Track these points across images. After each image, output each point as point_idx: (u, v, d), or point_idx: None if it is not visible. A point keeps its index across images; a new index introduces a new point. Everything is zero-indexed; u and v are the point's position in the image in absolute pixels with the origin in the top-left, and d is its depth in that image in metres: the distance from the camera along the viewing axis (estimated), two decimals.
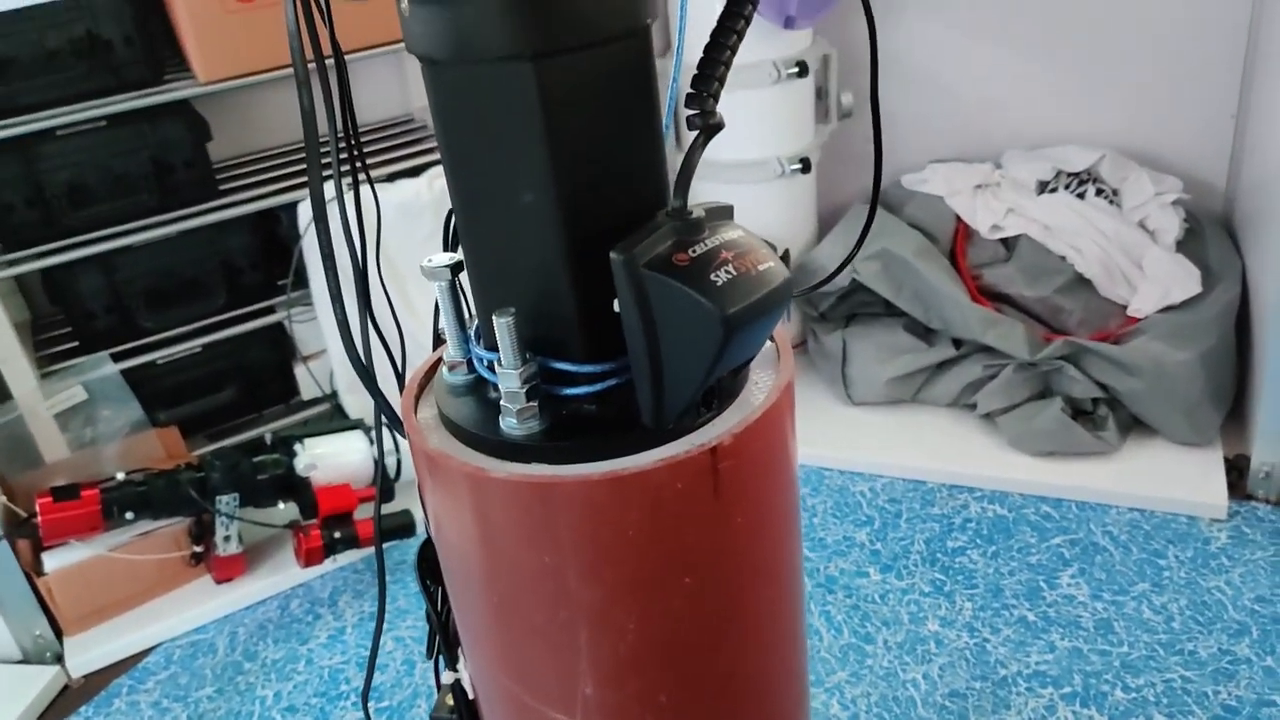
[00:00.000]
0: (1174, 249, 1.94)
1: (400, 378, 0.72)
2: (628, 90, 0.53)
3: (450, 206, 0.68)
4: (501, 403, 0.57)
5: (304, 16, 0.58)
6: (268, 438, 1.87)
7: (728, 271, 0.50)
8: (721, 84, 0.52)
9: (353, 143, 0.67)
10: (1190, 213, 1.99)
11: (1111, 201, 2.00)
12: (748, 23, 0.53)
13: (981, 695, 1.47)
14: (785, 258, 2.20)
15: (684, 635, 0.59)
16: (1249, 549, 1.66)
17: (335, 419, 2.10)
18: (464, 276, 0.61)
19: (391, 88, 2.26)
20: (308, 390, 2.14)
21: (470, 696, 0.72)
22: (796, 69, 1.97)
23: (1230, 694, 1.42)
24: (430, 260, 0.61)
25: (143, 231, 1.81)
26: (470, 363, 0.62)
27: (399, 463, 1.91)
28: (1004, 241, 2.00)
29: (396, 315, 0.75)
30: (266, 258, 2.01)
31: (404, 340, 0.74)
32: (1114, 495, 1.79)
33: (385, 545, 1.88)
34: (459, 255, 0.61)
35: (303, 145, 2.32)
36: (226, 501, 1.77)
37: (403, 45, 2.04)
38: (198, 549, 1.85)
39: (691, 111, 0.52)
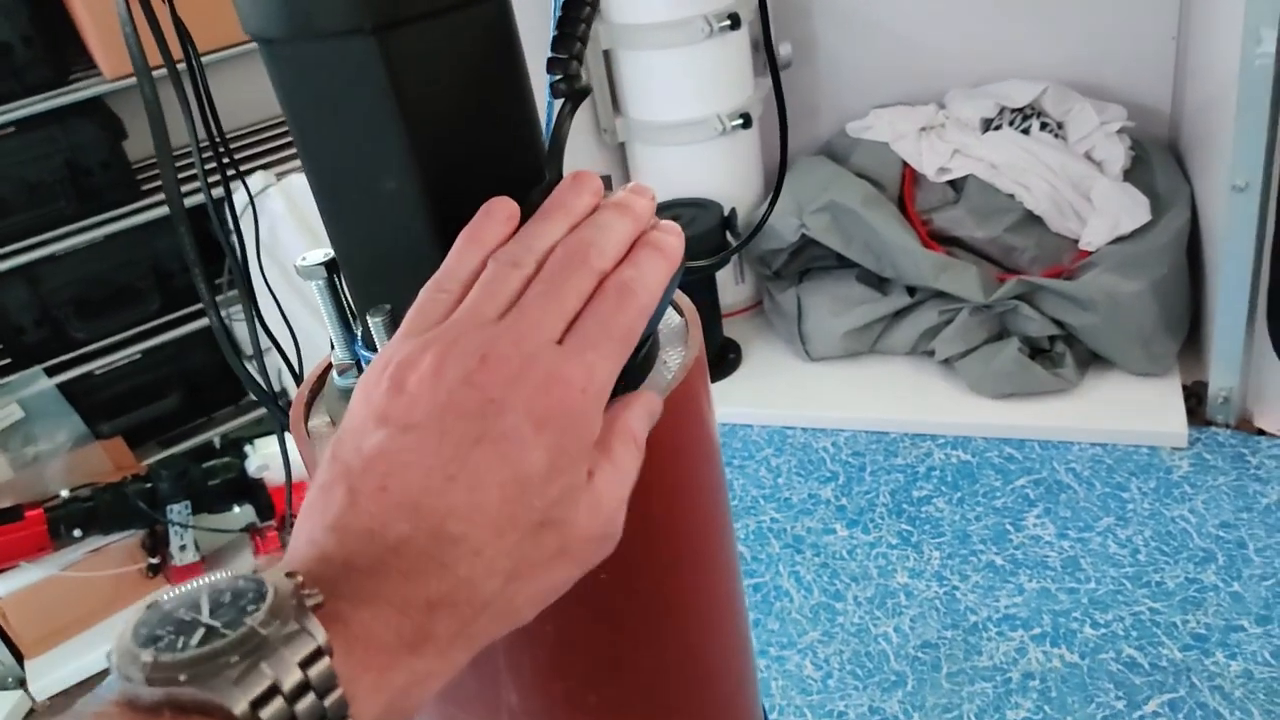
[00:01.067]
0: (1121, 179, 1.92)
1: (298, 379, 0.68)
2: (488, 58, 0.48)
3: None
4: None
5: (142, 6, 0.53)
6: (217, 441, 1.83)
7: None
8: (584, 43, 0.48)
9: (216, 138, 0.62)
10: (1136, 140, 1.97)
11: (1056, 135, 1.97)
12: None
13: (953, 644, 1.46)
14: (731, 216, 2.17)
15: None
16: (1211, 475, 1.66)
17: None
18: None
19: None
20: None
21: None
22: (729, 21, 1.92)
23: (1199, 622, 1.42)
24: (304, 259, 0.57)
25: (64, 239, 1.75)
26: (359, 364, 0.58)
27: None
28: (952, 184, 1.97)
29: (287, 317, 0.71)
30: (199, 257, 1.94)
31: (298, 343, 0.70)
32: (1075, 432, 1.78)
33: None
34: (332, 252, 0.57)
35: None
36: (178, 510, 1.73)
37: None
38: (154, 560, 1.81)
39: (554, 77, 0.48)
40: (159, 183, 1.87)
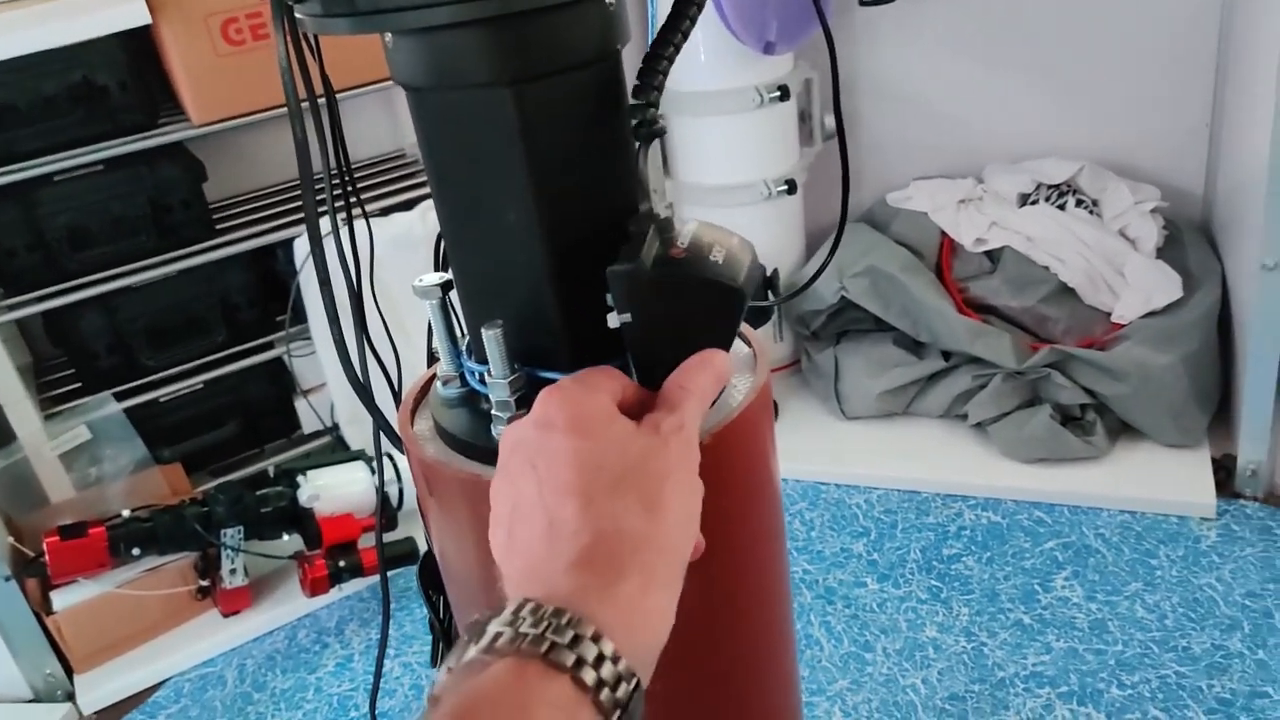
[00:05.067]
0: (1154, 255, 1.98)
1: (397, 398, 0.75)
2: (601, 110, 0.56)
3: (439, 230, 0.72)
4: (492, 412, 0.60)
5: (295, 53, 0.62)
6: (271, 471, 1.90)
7: (718, 251, 0.54)
8: (660, 91, 0.56)
9: (345, 175, 0.70)
10: (1169, 220, 2.04)
11: (1092, 211, 2.04)
12: (692, 24, 0.56)
13: (980, 697, 1.49)
14: (774, 277, 2.24)
15: (675, 633, 0.61)
16: (1238, 546, 1.69)
17: (336, 451, 2.12)
18: (453, 295, 0.65)
19: (382, 124, 2.31)
20: (309, 423, 2.17)
21: None
22: (778, 93, 2.01)
23: (1224, 687, 1.44)
24: (421, 280, 0.64)
25: (142, 272, 1.85)
26: (463, 376, 0.65)
27: (400, 491, 1.93)
28: (988, 254, 2.04)
29: (393, 340, 0.78)
30: (264, 294, 2.05)
31: (400, 364, 0.77)
32: (1105, 499, 1.82)
33: (390, 573, 1.91)
34: (448, 275, 0.64)
35: (297, 183, 2.38)
36: (231, 535, 1.80)
37: (391, 83, 2.07)
38: (204, 583, 1.87)
39: (634, 121, 0.55)
40: (233, 222, 1.98)
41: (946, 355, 2.02)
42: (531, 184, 0.55)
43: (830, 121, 2.19)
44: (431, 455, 0.62)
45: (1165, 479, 1.82)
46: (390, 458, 1.93)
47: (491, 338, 0.57)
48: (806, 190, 2.18)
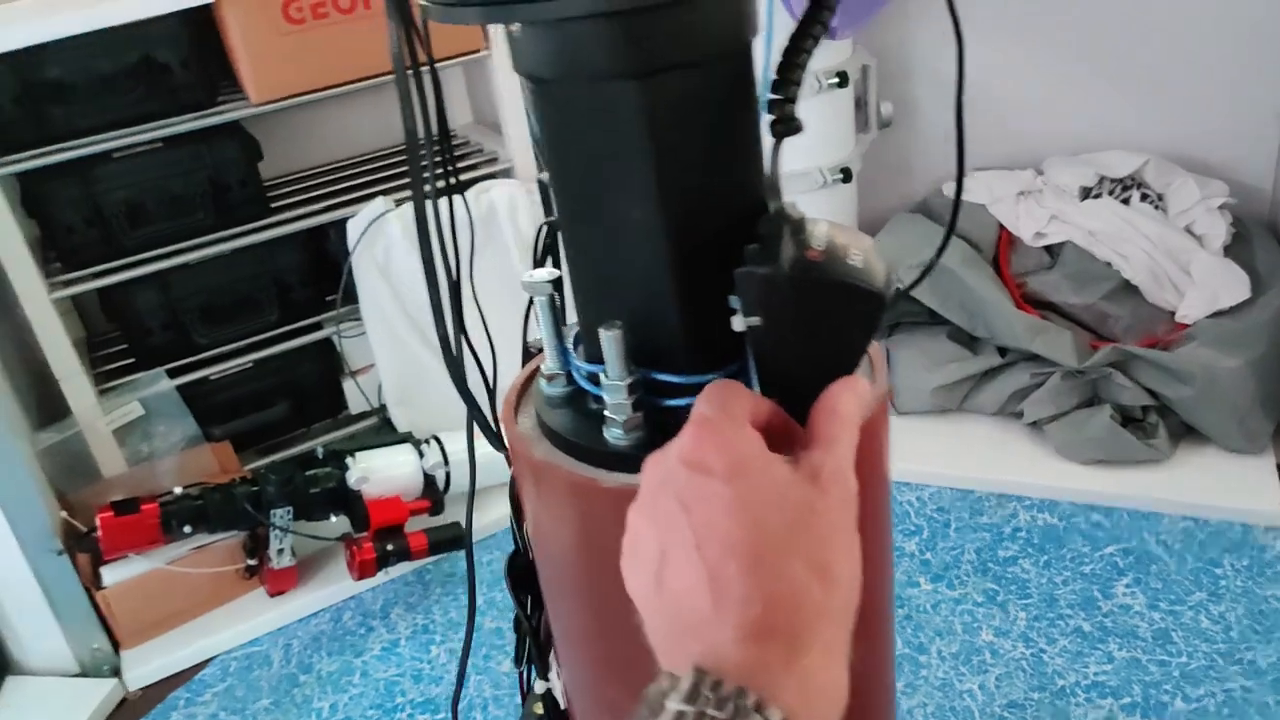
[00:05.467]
0: (1221, 254, 1.94)
1: (491, 391, 0.73)
2: (729, 106, 0.54)
3: (542, 219, 0.70)
4: (606, 414, 0.58)
5: (402, 32, 0.59)
6: (319, 452, 1.89)
7: (855, 254, 0.52)
8: (799, 87, 0.53)
9: (448, 157, 0.68)
10: (1237, 218, 1.99)
11: (1157, 207, 1.99)
12: (824, 28, 0.54)
13: (1040, 706, 1.46)
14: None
15: None
16: None
17: (383, 433, 2.12)
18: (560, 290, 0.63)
19: (432, 105, 2.29)
20: (355, 404, 2.16)
21: (562, 705, 0.73)
22: (837, 79, 1.98)
23: None
24: (531, 275, 0.62)
25: (198, 250, 1.85)
26: (569, 375, 0.63)
27: (448, 476, 1.93)
28: (1048, 249, 2.00)
29: (488, 327, 0.76)
30: (315, 274, 2.04)
31: (495, 354, 0.75)
32: (1166, 503, 1.78)
33: (435, 558, 1.91)
34: (557, 271, 0.62)
35: (351, 161, 2.35)
36: (281, 515, 1.79)
37: (443, 63, 2.04)
38: (252, 562, 1.87)
39: (771, 117, 0.53)
40: (287, 201, 1.97)
41: (1002, 351, 1.98)
42: (657, 181, 0.53)
43: (887, 109, 2.15)
44: (541, 455, 0.60)
45: (1229, 485, 1.78)
46: (438, 441, 1.95)
47: (610, 339, 0.55)
48: (860, 178, 2.15)
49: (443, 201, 0.67)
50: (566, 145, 0.55)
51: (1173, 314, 1.92)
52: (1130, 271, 1.91)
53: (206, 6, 1.65)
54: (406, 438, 1.96)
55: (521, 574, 0.74)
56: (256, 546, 1.87)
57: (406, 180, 2.22)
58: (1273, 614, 1.55)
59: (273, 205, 1.95)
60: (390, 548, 1.81)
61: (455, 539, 1.87)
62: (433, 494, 1.92)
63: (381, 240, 1.93)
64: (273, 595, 1.86)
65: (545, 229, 0.69)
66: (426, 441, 1.94)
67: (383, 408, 2.12)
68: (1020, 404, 1.94)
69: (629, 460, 0.57)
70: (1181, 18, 1.99)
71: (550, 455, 0.60)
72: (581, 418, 0.61)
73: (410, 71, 0.59)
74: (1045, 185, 2.05)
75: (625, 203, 0.54)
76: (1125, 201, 1.99)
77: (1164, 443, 1.83)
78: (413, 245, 1.94)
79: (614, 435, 0.58)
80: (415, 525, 1.86)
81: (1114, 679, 1.49)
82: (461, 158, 2.12)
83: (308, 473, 1.84)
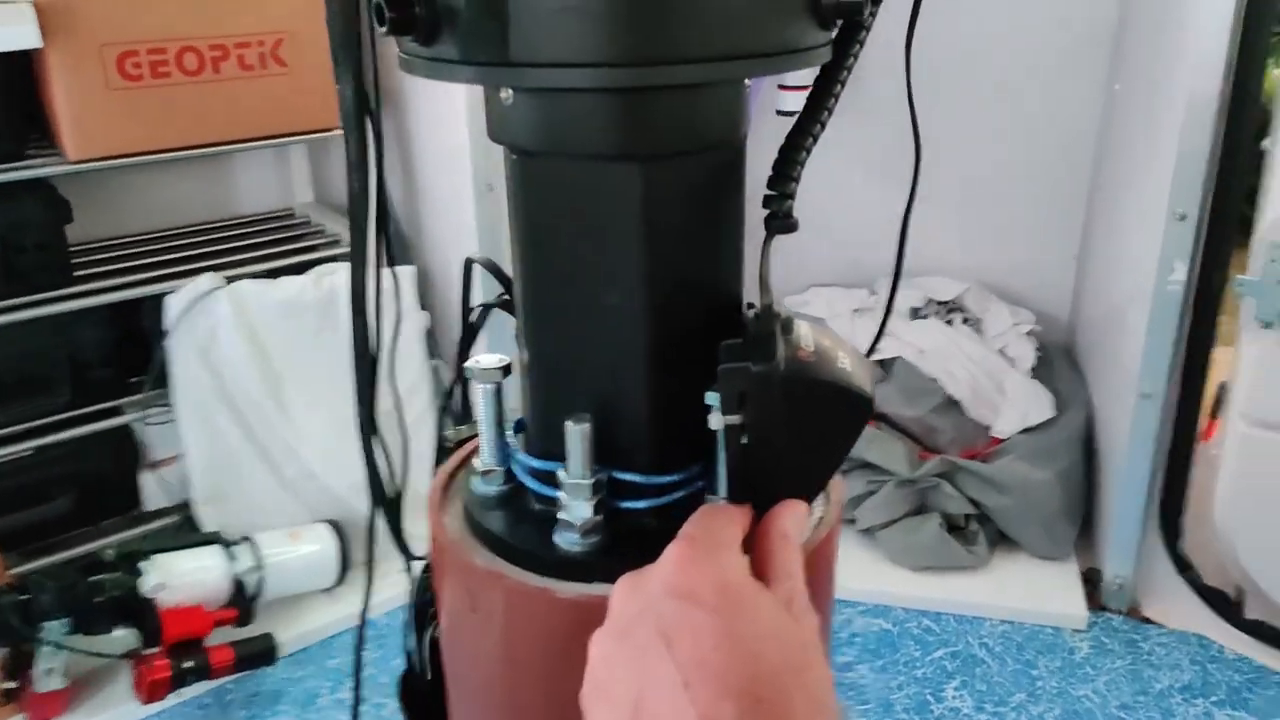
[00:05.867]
0: (1029, 375, 2.09)
1: (384, 498, 0.64)
2: (723, 195, 0.52)
3: (475, 300, 0.65)
4: (561, 516, 0.53)
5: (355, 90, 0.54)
6: (109, 554, 1.67)
7: (844, 357, 0.50)
8: (797, 184, 0.52)
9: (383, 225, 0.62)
10: (1041, 343, 2.16)
11: (976, 329, 2.14)
12: (823, 127, 0.54)
13: None
14: None
15: None
16: (1108, 658, 1.76)
17: (183, 532, 1.92)
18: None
19: (270, 180, 2.17)
20: (153, 500, 1.95)
21: None
22: None
23: None
24: (478, 361, 0.57)
25: None
26: (508, 472, 0.58)
27: (260, 581, 1.76)
28: (881, 363, 2.09)
29: (375, 420, 0.69)
30: (120, 354, 1.85)
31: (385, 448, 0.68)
32: (987, 608, 1.86)
33: (240, 675, 1.72)
34: (507, 358, 0.57)
35: (174, 233, 2.16)
36: (54, 628, 1.56)
37: (285, 138, 1.96)
38: (11, 684, 1.61)
39: (767, 211, 0.52)
40: (97, 269, 1.79)
41: None
42: (646, 266, 0.50)
43: None
44: (482, 563, 0.53)
45: (1040, 590, 1.88)
46: (250, 540, 1.78)
47: (577, 434, 0.51)
48: None
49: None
50: (546, 223, 0.51)
51: (988, 429, 2.05)
52: (954, 388, 2.03)
53: (26, 52, 1.50)
54: (214, 538, 1.78)
55: (419, 697, 0.66)
56: (18, 666, 1.61)
57: (242, 256, 2.05)
58: (1085, 713, 1.63)
59: (78, 274, 1.77)
60: (188, 665, 1.60)
61: (266, 651, 1.70)
62: (241, 601, 1.73)
63: (205, 320, 1.78)
64: None
65: (480, 311, 0.64)
66: (239, 542, 1.77)
67: (185, 504, 1.92)
68: (853, 511, 1.99)
69: (584, 568, 0.53)
70: (999, 166, 2.18)
71: (491, 563, 0.54)
72: (524, 520, 0.56)
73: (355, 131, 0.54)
74: (878, 303, 2.16)
75: (606, 286, 0.50)
76: (949, 323, 2.12)
77: (983, 549, 1.92)
78: (241, 327, 1.80)
79: (567, 540, 0.53)
80: (218, 638, 1.67)
81: None
82: (301, 237, 2.01)
83: (91, 579, 1.62)
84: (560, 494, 0.53)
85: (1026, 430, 2.02)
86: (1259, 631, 1.66)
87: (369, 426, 0.58)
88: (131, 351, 1.85)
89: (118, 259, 1.85)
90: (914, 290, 2.16)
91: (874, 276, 2.23)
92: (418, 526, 0.62)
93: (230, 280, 1.79)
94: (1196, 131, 1.53)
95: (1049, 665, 1.75)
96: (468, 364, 0.57)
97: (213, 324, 1.78)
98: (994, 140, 2.17)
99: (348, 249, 1.91)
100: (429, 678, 0.66)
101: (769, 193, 0.51)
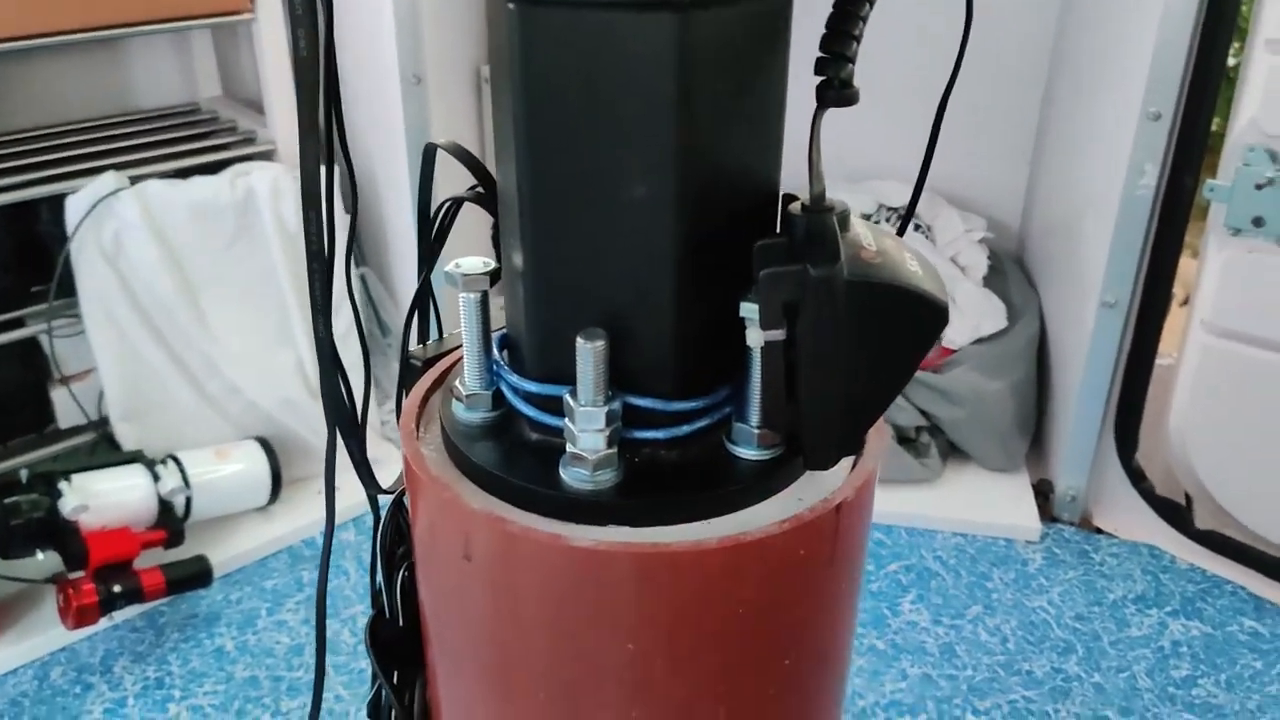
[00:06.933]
0: (981, 284, 2.05)
1: (356, 417, 0.56)
2: (766, 59, 0.43)
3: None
4: (570, 449, 0.45)
5: None
6: (23, 475, 1.55)
7: (911, 260, 0.42)
8: (858, 43, 0.44)
9: (332, 105, 0.51)
10: (993, 251, 2.12)
11: (926, 236, 2.08)
12: None
13: None
14: None
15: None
16: (1061, 569, 1.76)
17: (101, 451, 1.79)
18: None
19: (172, 72, 1.98)
20: (67, 418, 1.81)
21: None
22: None
23: (1069, 711, 1.48)
24: (459, 265, 0.48)
25: None
26: (496, 396, 0.49)
27: (189, 501, 1.65)
28: None
29: (362, 328, 0.59)
30: (18, 260, 1.69)
31: (368, 361, 0.59)
32: (939, 521, 1.85)
33: (173, 597, 1.63)
34: (494, 262, 0.48)
35: (76, 128, 1.96)
36: None
37: (185, 21, 1.75)
38: None
39: (822, 78, 0.43)
40: None
41: None
42: (677, 145, 0.41)
43: None
44: (480, 505, 0.45)
45: (992, 502, 1.87)
46: (176, 461, 1.66)
47: (590, 352, 0.42)
48: None
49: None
50: (555, 93, 0.41)
51: (940, 339, 2.01)
52: None
53: None
54: (136, 457, 1.67)
55: (391, 644, 0.58)
56: None
57: (147, 155, 1.87)
58: (1041, 625, 1.64)
59: None
60: (117, 589, 1.51)
61: (199, 574, 1.60)
62: (170, 523, 1.63)
63: (111, 223, 1.63)
64: None
65: (449, 207, 0.54)
66: (163, 461, 1.66)
67: (103, 421, 1.79)
68: None
69: (597, 510, 0.45)
70: (948, 62, 2.09)
71: (488, 504, 0.46)
72: (520, 453, 0.48)
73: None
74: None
75: (627, 172, 0.41)
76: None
77: (935, 462, 1.90)
78: (150, 230, 1.65)
79: (576, 477, 0.45)
80: (147, 560, 1.57)
81: (909, 696, 1.50)
82: (211, 134, 1.84)
83: (6, 500, 1.51)
84: (566, 422, 0.45)
85: (978, 340, 1.98)
86: (1210, 541, 1.67)
87: (328, 339, 0.48)
88: (30, 258, 1.69)
89: (8, 157, 1.66)
90: (864, 195, 2.08)
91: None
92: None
93: (135, 180, 1.63)
94: (1174, 25, 1.47)
95: (1003, 577, 1.75)
96: (448, 268, 0.48)
97: (118, 227, 1.62)
98: (946, 39, 2.09)
99: (262, 147, 1.75)
100: (400, 625, 0.58)
101: (822, 55, 0.42)
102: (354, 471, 0.54)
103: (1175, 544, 1.74)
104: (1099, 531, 1.85)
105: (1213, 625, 1.61)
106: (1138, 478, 1.74)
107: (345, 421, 0.51)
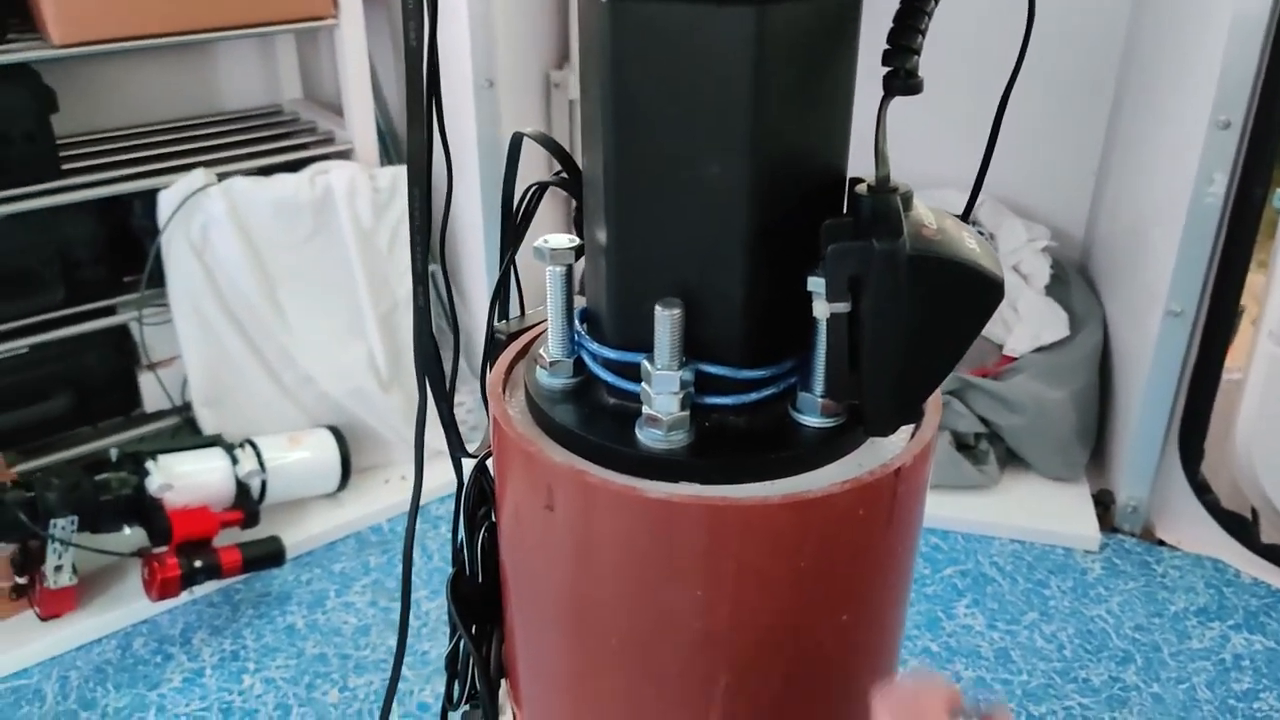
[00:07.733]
0: (1044, 293, 2.05)
1: (448, 387, 0.60)
2: (838, 51, 0.46)
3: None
4: (645, 410, 0.48)
5: None
6: (113, 454, 1.64)
7: (969, 240, 0.45)
8: (924, 36, 0.47)
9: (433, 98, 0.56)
10: (1056, 260, 2.11)
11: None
12: None
13: None
14: None
15: (830, 679, 0.52)
16: (1121, 579, 1.75)
17: (183, 435, 1.88)
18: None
19: (256, 75, 2.07)
20: (153, 402, 1.90)
21: None
22: None
23: None
24: (547, 240, 0.52)
25: None
26: (577, 363, 0.53)
27: (264, 484, 1.73)
28: None
29: (455, 309, 0.64)
30: (112, 251, 1.78)
31: (458, 339, 0.64)
32: (997, 527, 1.85)
33: (247, 575, 1.70)
34: (578, 239, 0.52)
35: (167, 126, 2.05)
36: (62, 526, 1.53)
37: (271, 26, 1.84)
38: (21, 580, 1.59)
39: (888, 68, 0.46)
40: (86, 163, 1.71)
41: None
42: (752, 129, 0.44)
43: None
44: (562, 460, 0.49)
45: (1051, 511, 1.87)
46: (253, 445, 1.74)
47: (667, 319, 0.46)
48: None
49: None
50: (640, 80, 0.45)
51: (1000, 347, 2.01)
52: None
53: None
54: (216, 441, 1.74)
55: (472, 601, 0.62)
56: (28, 562, 1.59)
57: (232, 153, 1.96)
58: (1100, 634, 1.63)
59: (65, 167, 1.68)
60: (198, 564, 1.58)
61: (274, 554, 1.68)
62: (246, 504, 1.71)
63: (199, 217, 1.71)
64: (46, 618, 1.59)
65: (535, 190, 0.58)
66: (240, 446, 1.73)
67: (186, 406, 1.87)
68: None
69: (671, 467, 0.48)
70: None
71: (570, 460, 0.49)
72: (600, 415, 0.51)
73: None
74: None
75: (706, 153, 0.45)
76: None
77: (994, 469, 1.90)
78: (235, 225, 1.72)
79: (652, 438, 0.49)
80: (224, 539, 1.64)
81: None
82: (292, 134, 1.92)
83: (97, 477, 1.59)
84: (643, 386, 0.48)
85: (1039, 349, 1.98)
86: (1276, 555, 1.65)
87: (426, 308, 0.53)
88: (123, 250, 1.78)
89: (108, 152, 1.76)
90: (926, 203, 2.09)
91: None
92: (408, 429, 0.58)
93: (222, 177, 1.71)
94: (1245, 35, 1.46)
95: (1061, 585, 1.74)
96: (536, 244, 0.52)
97: (205, 221, 1.70)
98: (1011, 47, 2.09)
99: (341, 146, 1.82)
100: (480, 581, 0.62)
101: (889, 47, 0.46)
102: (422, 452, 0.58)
103: (1240, 558, 1.72)
104: (1161, 543, 1.84)
105: (1277, 640, 1.59)
106: (1202, 490, 1.73)
107: (438, 384, 0.55)
